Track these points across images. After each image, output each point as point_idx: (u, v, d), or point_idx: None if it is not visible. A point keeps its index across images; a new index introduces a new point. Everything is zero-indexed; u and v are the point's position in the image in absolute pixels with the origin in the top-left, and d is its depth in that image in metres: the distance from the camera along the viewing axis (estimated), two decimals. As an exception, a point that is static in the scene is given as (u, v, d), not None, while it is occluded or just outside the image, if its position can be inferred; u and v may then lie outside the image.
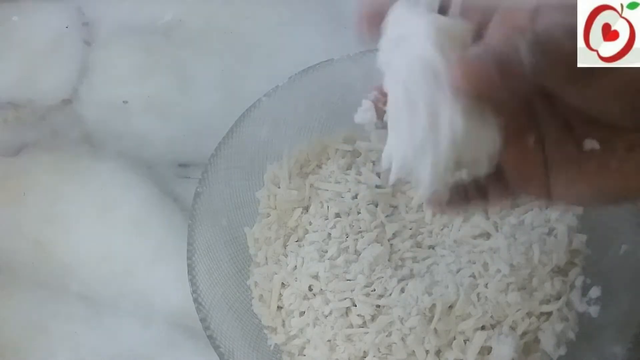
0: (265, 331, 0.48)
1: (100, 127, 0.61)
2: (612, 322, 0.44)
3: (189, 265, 0.47)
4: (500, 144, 0.28)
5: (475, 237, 0.48)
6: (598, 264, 0.47)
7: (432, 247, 0.49)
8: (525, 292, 0.46)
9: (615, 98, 0.26)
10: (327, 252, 0.49)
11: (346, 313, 0.47)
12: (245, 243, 0.51)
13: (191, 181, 0.54)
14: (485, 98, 0.25)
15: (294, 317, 0.48)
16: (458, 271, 0.47)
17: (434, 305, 0.45)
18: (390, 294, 0.46)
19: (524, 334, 0.45)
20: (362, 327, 0.46)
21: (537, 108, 0.28)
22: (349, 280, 0.47)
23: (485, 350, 0.45)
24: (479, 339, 0.45)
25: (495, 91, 0.25)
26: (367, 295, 0.46)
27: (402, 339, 0.45)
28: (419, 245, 0.49)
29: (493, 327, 0.45)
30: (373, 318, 0.46)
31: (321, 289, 0.47)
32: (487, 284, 0.46)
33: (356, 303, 0.47)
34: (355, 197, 0.51)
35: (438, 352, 0.45)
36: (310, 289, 0.48)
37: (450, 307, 0.45)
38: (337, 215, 0.51)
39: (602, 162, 0.27)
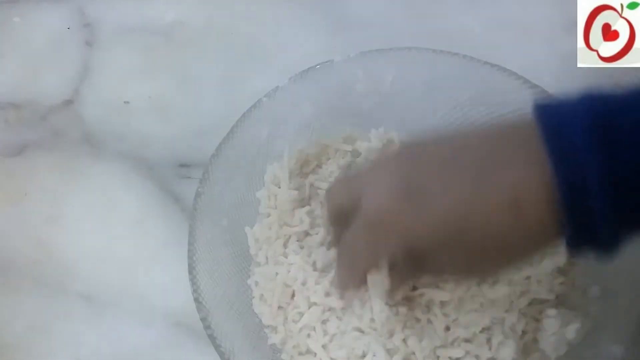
0: (266, 330, 0.48)
1: (101, 127, 0.61)
2: (612, 321, 0.44)
3: (189, 265, 0.47)
4: None
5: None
6: (598, 263, 0.47)
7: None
8: (524, 292, 0.46)
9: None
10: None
11: (347, 313, 0.47)
12: (246, 243, 0.51)
13: (192, 181, 0.54)
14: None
15: (294, 316, 0.48)
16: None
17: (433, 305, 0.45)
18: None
19: (523, 334, 0.45)
20: (362, 327, 0.46)
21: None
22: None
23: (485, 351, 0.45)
24: (478, 340, 0.45)
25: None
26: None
27: (403, 341, 0.45)
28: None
29: (493, 328, 0.45)
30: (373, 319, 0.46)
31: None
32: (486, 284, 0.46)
33: (357, 303, 0.47)
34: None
35: (438, 355, 0.45)
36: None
37: (450, 307, 0.46)
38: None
39: None
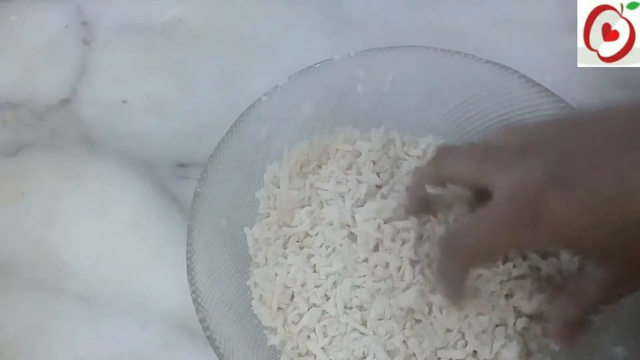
0: (265, 332, 0.48)
1: (99, 126, 0.61)
2: (613, 322, 0.44)
3: (188, 266, 0.47)
4: None
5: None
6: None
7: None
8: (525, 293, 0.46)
9: None
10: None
11: (347, 313, 0.47)
12: (245, 243, 0.51)
13: (190, 181, 0.54)
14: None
15: (294, 318, 0.48)
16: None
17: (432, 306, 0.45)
18: (390, 296, 0.46)
19: (524, 333, 0.45)
20: (363, 327, 0.46)
21: None
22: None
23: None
24: (480, 341, 0.44)
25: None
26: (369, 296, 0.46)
27: (404, 342, 0.45)
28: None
29: (494, 329, 0.45)
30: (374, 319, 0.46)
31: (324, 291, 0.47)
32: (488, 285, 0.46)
33: (357, 304, 0.46)
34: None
35: (439, 357, 0.45)
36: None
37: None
38: (338, 215, 0.50)
39: None
